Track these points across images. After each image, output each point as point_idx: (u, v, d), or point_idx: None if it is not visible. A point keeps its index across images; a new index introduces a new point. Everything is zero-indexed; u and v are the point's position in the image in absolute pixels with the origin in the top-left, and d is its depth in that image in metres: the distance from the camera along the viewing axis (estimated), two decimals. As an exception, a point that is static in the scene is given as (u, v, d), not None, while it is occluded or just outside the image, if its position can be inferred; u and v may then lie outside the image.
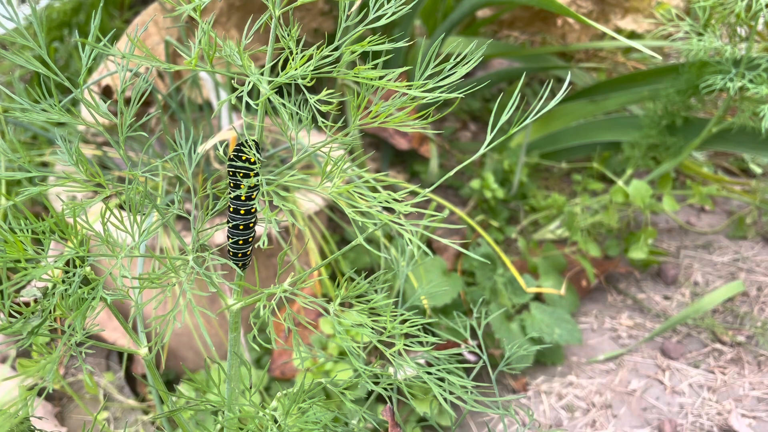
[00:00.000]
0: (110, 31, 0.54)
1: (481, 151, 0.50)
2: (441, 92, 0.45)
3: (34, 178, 1.30)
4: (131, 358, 1.28)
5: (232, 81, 0.49)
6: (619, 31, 1.81)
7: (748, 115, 1.37)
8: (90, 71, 1.56)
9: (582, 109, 1.80)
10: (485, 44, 0.49)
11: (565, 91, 0.47)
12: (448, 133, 2.09)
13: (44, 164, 1.45)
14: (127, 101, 0.57)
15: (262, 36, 0.51)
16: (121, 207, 1.20)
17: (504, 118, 0.48)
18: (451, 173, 0.50)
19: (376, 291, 0.62)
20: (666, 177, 1.59)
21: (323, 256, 1.33)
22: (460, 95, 0.45)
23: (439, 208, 1.54)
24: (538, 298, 1.48)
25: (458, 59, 0.47)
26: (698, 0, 1.29)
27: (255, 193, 0.56)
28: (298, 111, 0.48)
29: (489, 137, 0.48)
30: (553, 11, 1.62)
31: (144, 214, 0.54)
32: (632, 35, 1.92)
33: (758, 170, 1.98)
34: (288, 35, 0.46)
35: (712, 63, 1.36)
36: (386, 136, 1.81)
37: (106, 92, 1.36)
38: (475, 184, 1.70)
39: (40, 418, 1.08)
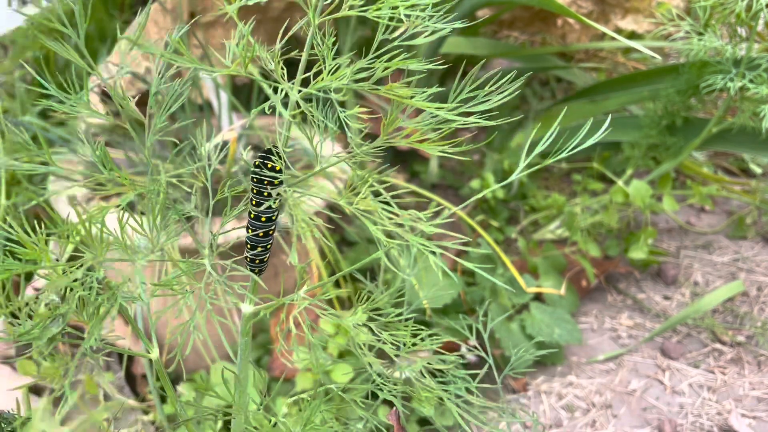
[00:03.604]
0: (110, 31, 0.54)
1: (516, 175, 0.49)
2: (478, 118, 0.45)
3: (35, 178, 1.29)
4: (131, 357, 1.28)
5: (268, 89, 0.48)
6: (619, 31, 1.81)
7: (749, 115, 1.37)
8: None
9: (582, 109, 1.80)
10: (524, 76, 0.49)
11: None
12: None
13: (44, 164, 1.45)
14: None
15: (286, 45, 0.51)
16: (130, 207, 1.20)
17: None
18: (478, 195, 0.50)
19: (377, 287, 0.62)
20: (666, 177, 1.59)
21: (323, 255, 1.33)
22: (493, 124, 0.45)
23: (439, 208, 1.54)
24: (538, 298, 1.48)
25: (494, 86, 0.47)
26: (698, 0, 1.29)
27: (278, 202, 0.56)
28: (325, 121, 0.48)
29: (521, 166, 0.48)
30: (553, 11, 1.62)
31: (162, 218, 0.54)
32: (632, 35, 1.92)
33: (758, 170, 1.98)
34: (323, 45, 0.46)
35: (712, 63, 1.36)
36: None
37: (106, 93, 1.36)
38: (475, 184, 1.70)
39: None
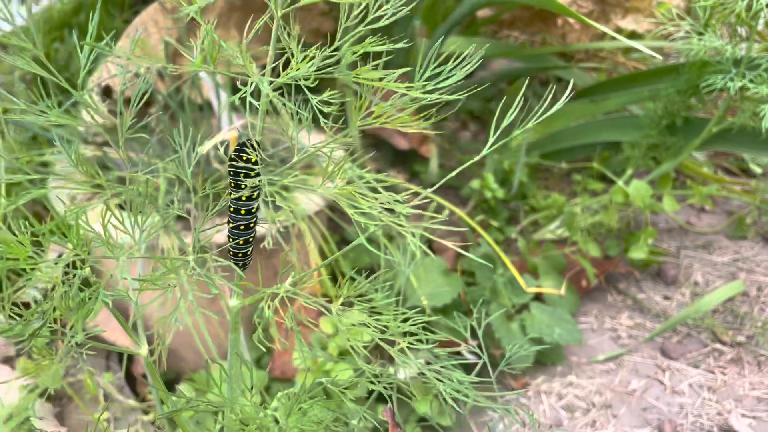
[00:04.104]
0: (111, 31, 0.54)
1: (484, 152, 0.50)
2: (442, 93, 0.45)
3: (35, 178, 1.30)
4: (131, 358, 1.28)
5: (238, 83, 0.49)
6: (619, 31, 1.81)
7: (749, 115, 1.37)
8: (91, 71, 1.56)
9: (582, 109, 1.80)
10: (485, 46, 0.49)
11: (569, 95, 0.47)
12: (448, 132, 2.09)
13: (44, 164, 1.45)
14: (128, 101, 0.57)
15: (261, 36, 0.51)
16: (120, 207, 1.20)
17: (507, 121, 0.48)
18: (453, 174, 0.50)
19: (376, 290, 0.62)
20: (666, 177, 1.59)
21: (323, 255, 1.33)
22: (462, 96, 0.45)
23: (440, 208, 1.54)
24: (538, 298, 1.48)
25: (458, 60, 0.47)
26: (698, 0, 1.29)
27: (256, 194, 0.56)
28: (299, 111, 0.48)
29: (491, 139, 0.48)
30: (554, 11, 1.62)
31: (145, 215, 0.54)
32: (633, 35, 1.92)
33: (758, 170, 1.98)
34: (290, 36, 0.46)
35: (712, 63, 1.36)
36: (386, 135, 1.81)
37: (106, 92, 1.36)
38: (475, 184, 1.70)
39: (40, 418, 1.08)
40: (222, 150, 0.56)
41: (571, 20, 1.83)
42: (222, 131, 1.27)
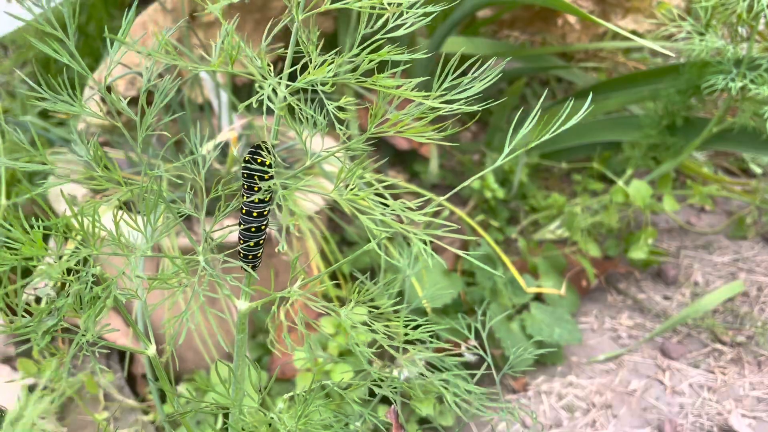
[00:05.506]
0: (110, 30, 0.54)
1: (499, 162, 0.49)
2: (463, 104, 0.45)
3: (35, 177, 1.29)
4: (131, 357, 1.28)
5: (256, 85, 0.48)
6: (619, 31, 1.81)
7: (749, 116, 1.37)
8: (91, 70, 1.56)
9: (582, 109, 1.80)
10: (508, 58, 0.49)
11: (586, 109, 0.47)
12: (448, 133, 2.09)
13: (44, 164, 1.45)
14: (132, 101, 0.57)
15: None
16: (126, 205, 1.20)
17: (523, 131, 0.48)
18: (465, 183, 0.50)
19: (374, 282, 0.62)
20: (666, 177, 1.59)
21: (323, 255, 1.33)
22: (481, 108, 0.45)
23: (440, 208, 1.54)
24: (539, 298, 1.48)
25: (477, 72, 0.47)
26: (699, 0, 1.29)
27: (269, 196, 0.56)
28: (313, 115, 0.48)
29: (506, 150, 0.48)
30: (560, 10, 1.62)
31: (156, 214, 0.54)
32: (633, 35, 1.92)
33: (758, 170, 1.98)
34: (308, 40, 0.46)
35: (713, 63, 1.36)
36: (387, 136, 1.80)
37: (108, 92, 1.35)
38: (475, 184, 1.70)
39: (42, 418, 1.08)
40: (237, 151, 0.56)
41: (572, 20, 1.83)
42: (222, 131, 1.27)
